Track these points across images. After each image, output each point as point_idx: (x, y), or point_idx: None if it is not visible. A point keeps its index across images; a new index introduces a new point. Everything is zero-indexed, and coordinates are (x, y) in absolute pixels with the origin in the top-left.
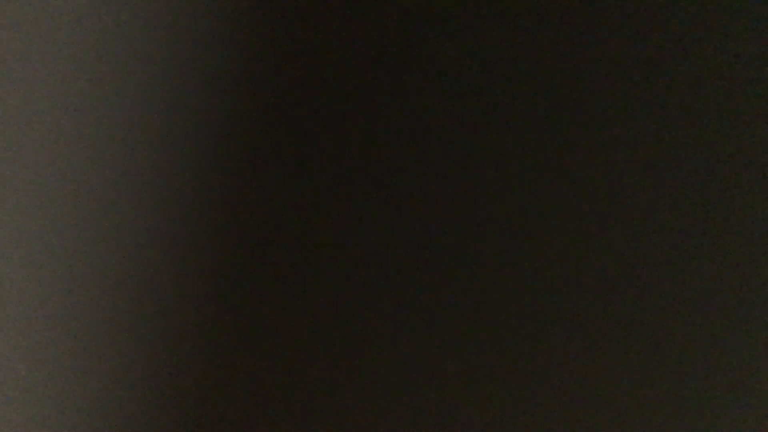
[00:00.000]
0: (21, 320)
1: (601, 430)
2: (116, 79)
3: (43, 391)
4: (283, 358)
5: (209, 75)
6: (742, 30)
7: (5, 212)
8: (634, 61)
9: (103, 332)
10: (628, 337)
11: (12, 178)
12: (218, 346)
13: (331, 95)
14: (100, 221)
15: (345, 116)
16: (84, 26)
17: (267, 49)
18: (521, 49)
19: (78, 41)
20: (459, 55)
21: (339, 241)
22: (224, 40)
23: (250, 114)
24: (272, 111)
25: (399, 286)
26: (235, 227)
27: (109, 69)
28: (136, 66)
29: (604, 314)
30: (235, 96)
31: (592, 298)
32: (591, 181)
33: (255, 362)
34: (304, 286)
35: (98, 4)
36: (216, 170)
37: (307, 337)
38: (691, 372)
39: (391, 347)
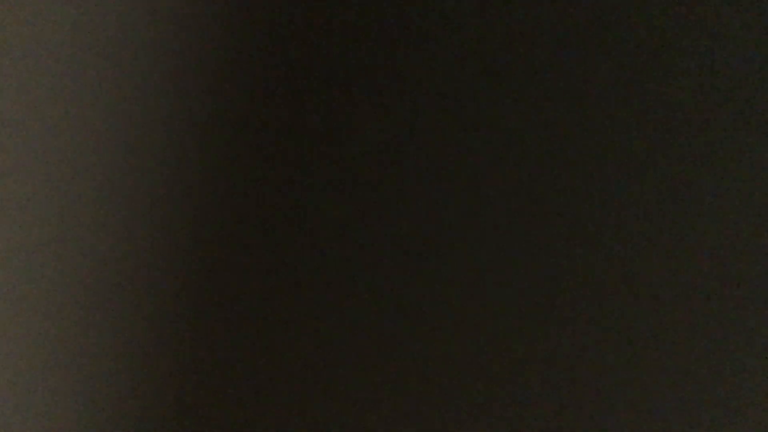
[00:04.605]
0: (18, 320)
1: (601, 430)
2: (109, 78)
3: (37, 390)
4: (277, 359)
5: (200, 75)
6: (742, 30)
7: (5, 212)
8: (632, 60)
9: (99, 332)
10: (626, 338)
11: (9, 178)
12: (215, 347)
13: (326, 95)
14: (96, 221)
15: (342, 116)
16: (78, 25)
17: (263, 48)
18: (518, 48)
19: (71, 40)
20: (457, 53)
21: (337, 241)
22: (217, 40)
23: (245, 113)
24: (269, 110)
25: (395, 286)
26: (230, 226)
27: (102, 68)
28: (126, 65)
29: (602, 314)
30: (229, 95)
31: (591, 298)
32: (590, 181)
33: (250, 362)
34: (300, 286)
35: (95, 4)
36: (211, 169)
37: (302, 337)
38: (690, 372)
39: (388, 348)
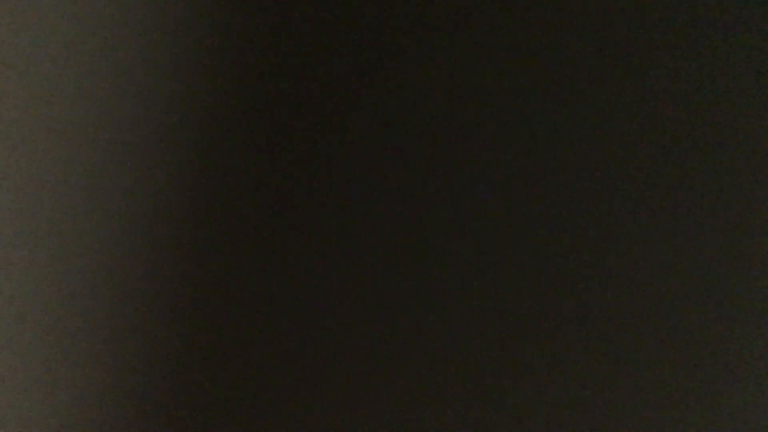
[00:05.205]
0: (18, 320)
1: (600, 429)
2: (103, 78)
3: (36, 390)
4: (276, 359)
5: (199, 75)
6: (742, 28)
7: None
8: (631, 60)
9: (98, 332)
10: (625, 338)
11: (9, 178)
12: (215, 348)
13: (322, 94)
14: (93, 221)
15: (340, 115)
16: (74, 24)
17: (262, 47)
18: (516, 47)
19: (66, 40)
20: (456, 52)
21: (336, 242)
22: (212, 40)
23: (241, 112)
24: (265, 108)
25: (394, 286)
26: (229, 226)
27: (97, 68)
28: (126, 64)
29: (599, 314)
30: (228, 94)
31: (590, 298)
32: (589, 181)
33: (249, 363)
34: (298, 286)
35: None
36: (210, 169)
37: (301, 337)
38: (690, 371)
39: (387, 348)
